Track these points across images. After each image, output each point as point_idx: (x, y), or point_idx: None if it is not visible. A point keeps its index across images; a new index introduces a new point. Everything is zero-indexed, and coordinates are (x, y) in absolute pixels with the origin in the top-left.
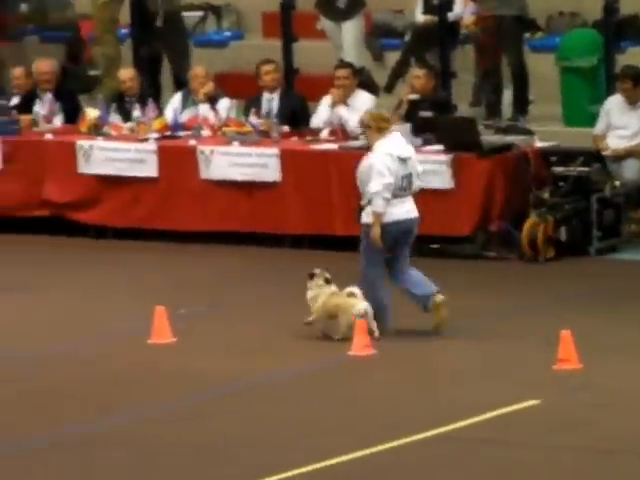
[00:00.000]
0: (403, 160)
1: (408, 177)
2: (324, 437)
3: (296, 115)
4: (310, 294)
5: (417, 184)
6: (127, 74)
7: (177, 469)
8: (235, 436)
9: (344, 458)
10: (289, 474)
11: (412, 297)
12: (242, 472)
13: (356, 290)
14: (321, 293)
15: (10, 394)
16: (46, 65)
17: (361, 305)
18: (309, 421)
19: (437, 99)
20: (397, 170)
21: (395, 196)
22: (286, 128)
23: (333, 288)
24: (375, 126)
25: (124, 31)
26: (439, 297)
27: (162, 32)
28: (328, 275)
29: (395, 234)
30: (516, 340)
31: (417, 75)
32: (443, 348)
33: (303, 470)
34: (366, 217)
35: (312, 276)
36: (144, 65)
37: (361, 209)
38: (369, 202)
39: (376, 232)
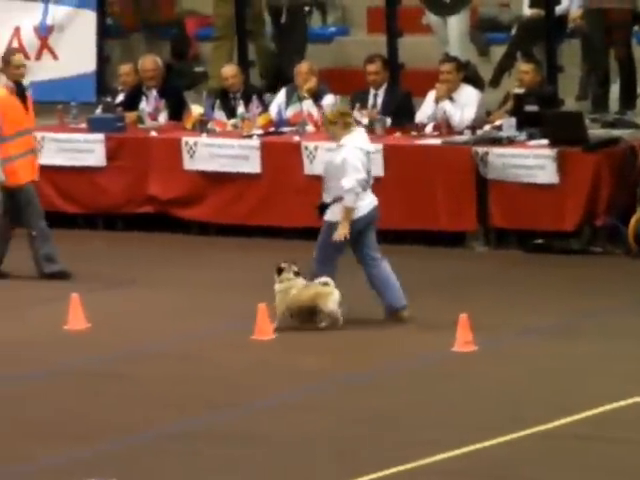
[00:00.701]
0: (368, 154)
1: (370, 170)
2: (429, 433)
3: (400, 111)
4: (280, 287)
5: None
6: (230, 71)
7: (283, 463)
8: (342, 430)
9: (456, 452)
10: (400, 468)
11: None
12: (353, 467)
13: (329, 280)
14: (293, 285)
15: (116, 390)
16: (150, 62)
17: (337, 294)
18: (414, 416)
19: (543, 93)
20: (367, 163)
21: (364, 189)
22: (389, 122)
23: (303, 280)
24: (342, 122)
25: None
26: (404, 314)
27: (286, 28)
28: (296, 268)
29: (361, 226)
30: (621, 336)
31: (525, 70)
32: (546, 344)
33: (413, 465)
34: (333, 214)
35: (280, 270)
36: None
37: (325, 205)
38: (339, 199)
39: (345, 228)
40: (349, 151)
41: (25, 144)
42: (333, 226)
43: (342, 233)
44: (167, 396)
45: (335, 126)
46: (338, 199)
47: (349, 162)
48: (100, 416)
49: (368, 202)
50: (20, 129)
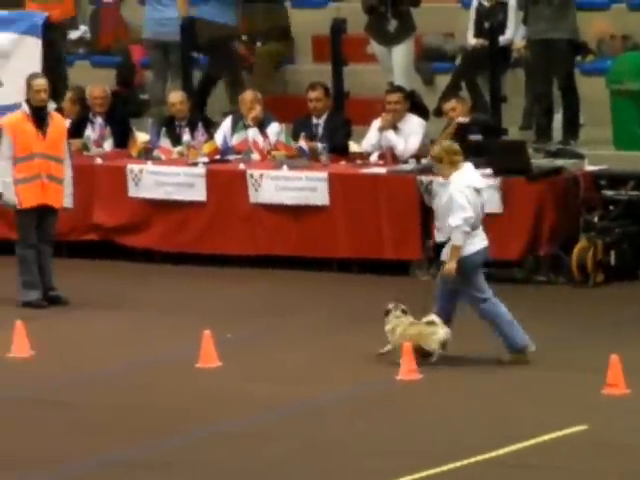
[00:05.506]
0: (479, 191)
1: (483, 207)
2: (370, 460)
3: (336, 137)
4: (388, 326)
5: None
6: (176, 97)
7: None
8: (282, 460)
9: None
10: None
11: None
12: None
13: (436, 318)
14: (400, 323)
15: (59, 418)
16: (99, 90)
17: (442, 332)
18: (356, 445)
19: (487, 122)
20: (476, 202)
21: (475, 227)
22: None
23: (411, 319)
24: (448, 159)
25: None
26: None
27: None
28: (403, 307)
29: (479, 263)
30: (565, 364)
31: (451, 107)
32: (491, 374)
33: None
34: (445, 254)
35: (387, 312)
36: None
37: (439, 245)
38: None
39: (452, 266)
40: (455, 189)
41: (30, 168)
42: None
43: (448, 268)
44: (109, 425)
45: (441, 164)
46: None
47: (455, 200)
48: (41, 444)
49: (482, 238)
50: (25, 154)
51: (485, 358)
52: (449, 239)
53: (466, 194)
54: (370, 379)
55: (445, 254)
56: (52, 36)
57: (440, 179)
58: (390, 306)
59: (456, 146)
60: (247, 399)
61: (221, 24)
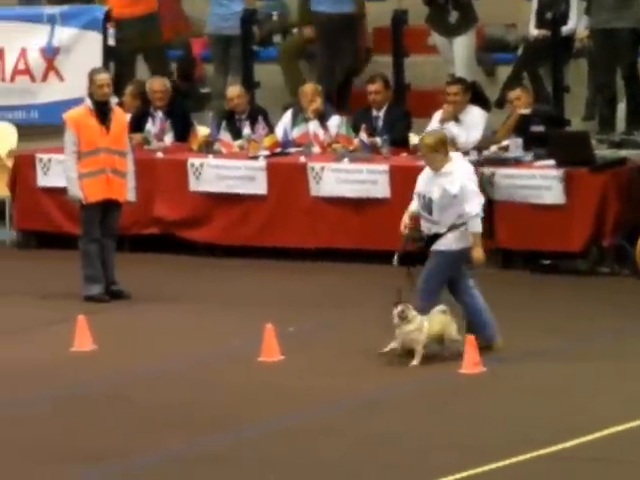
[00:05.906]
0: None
1: None
2: (433, 455)
3: (396, 128)
4: (411, 326)
5: None
6: (234, 92)
7: None
8: (344, 455)
9: (456, 476)
10: None
11: (479, 325)
12: None
13: (446, 308)
14: (424, 319)
15: (120, 413)
16: (159, 84)
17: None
18: (418, 439)
19: (549, 113)
20: None
21: None
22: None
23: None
24: (444, 150)
25: None
26: (499, 342)
27: None
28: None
29: (462, 262)
30: (630, 356)
31: (516, 96)
32: (555, 366)
33: None
34: (447, 244)
35: (405, 313)
36: None
37: (436, 236)
38: (454, 227)
39: (481, 253)
40: (463, 177)
41: (95, 163)
42: (450, 255)
43: (478, 257)
44: (171, 419)
45: (437, 153)
46: (454, 227)
47: (468, 188)
48: (105, 440)
49: (465, 239)
50: (90, 148)
51: (548, 351)
52: (451, 228)
53: (473, 180)
54: (433, 372)
55: (446, 243)
56: (123, 32)
57: (499, 170)
58: (401, 307)
59: (445, 135)
60: (309, 393)
61: (340, 13)
